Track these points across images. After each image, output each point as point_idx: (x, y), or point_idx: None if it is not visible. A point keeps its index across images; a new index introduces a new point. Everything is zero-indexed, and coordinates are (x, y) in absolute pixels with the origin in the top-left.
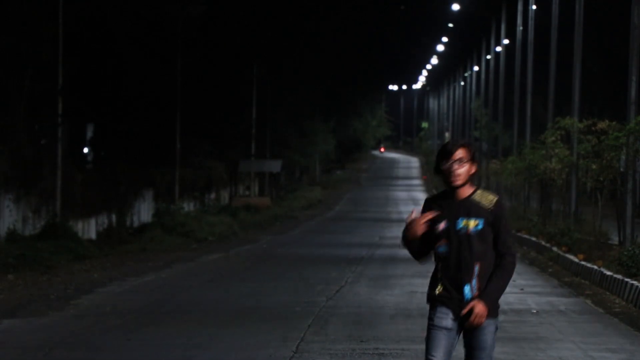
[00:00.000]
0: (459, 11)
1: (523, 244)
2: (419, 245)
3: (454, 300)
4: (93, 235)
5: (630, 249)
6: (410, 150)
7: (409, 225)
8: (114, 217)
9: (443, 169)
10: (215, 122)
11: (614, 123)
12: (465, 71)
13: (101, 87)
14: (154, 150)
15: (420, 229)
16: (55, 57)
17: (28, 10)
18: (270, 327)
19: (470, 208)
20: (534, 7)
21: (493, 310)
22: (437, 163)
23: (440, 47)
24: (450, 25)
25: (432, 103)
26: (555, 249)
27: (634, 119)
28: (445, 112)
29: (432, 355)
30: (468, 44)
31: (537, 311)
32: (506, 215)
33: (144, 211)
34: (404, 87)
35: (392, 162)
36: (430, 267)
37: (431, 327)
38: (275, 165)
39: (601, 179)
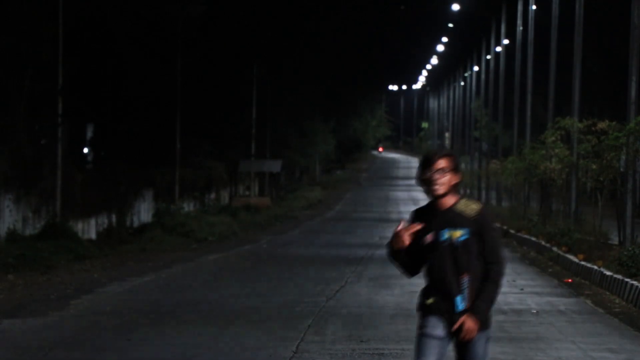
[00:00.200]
0: (459, 11)
1: (523, 244)
2: (406, 259)
3: (445, 311)
4: (93, 235)
5: (630, 249)
6: (410, 150)
7: (396, 236)
8: (114, 217)
9: (424, 178)
10: (215, 122)
11: (614, 123)
12: (465, 71)
13: (101, 87)
14: (154, 150)
15: (407, 239)
16: (55, 57)
17: (28, 10)
18: (270, 327)
19: (454, 218)
20: (534, 7)
21: (484, 323)
22: (420, 173)
23: (440, 47)
24: (450, 25)
25: (432, 103)
26: (555, 249)
27: (634, 119)
28: (445, 112)
29: None
30: (468, 44)
31: (537, 311)
32: (492, 224)
33: (144, 211)
34: (404, 87)
35: (392, 162)
36: None
37: (422, 335)
38: (275, 165)
39: (601, 179)
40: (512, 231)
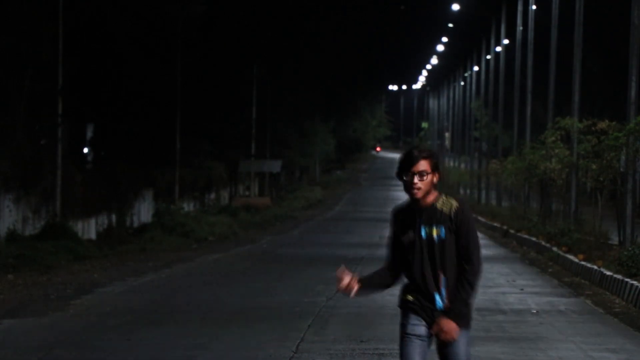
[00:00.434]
0: (459, 11)
1: (523, 244)
2: (376, 280)
3: (425, 309)
4: (93, 235)
5: (630, 249)
6: None
7: (342, 290)
8: (114, 217)
9: (404, 181)
10: (215, 122)
11: (614, 123)
12: (465, 71)
13: (101, 87)
14: (154, 150)
15: (355, 288)
16: (55, 57)
17: (28, 10)
18: (270, 327)
19: (433, 215)
20: (534, 7)
21: (463, 323)
22: (400, 170)
23: (440, 47)
24: (450, 25)
25: (432, 103)
26: (555, 249)
27: (634, 119)
28: (445, 112)
29: None
30: (468, 44)
31: (537, 311)
32: (470, 221)
33: (144, 211)
34: (404, 87)
35: (392, 162)
36: None
37: (405, 335)
38: (275, 165)
39: (601, 179)
40: (512, 231)
